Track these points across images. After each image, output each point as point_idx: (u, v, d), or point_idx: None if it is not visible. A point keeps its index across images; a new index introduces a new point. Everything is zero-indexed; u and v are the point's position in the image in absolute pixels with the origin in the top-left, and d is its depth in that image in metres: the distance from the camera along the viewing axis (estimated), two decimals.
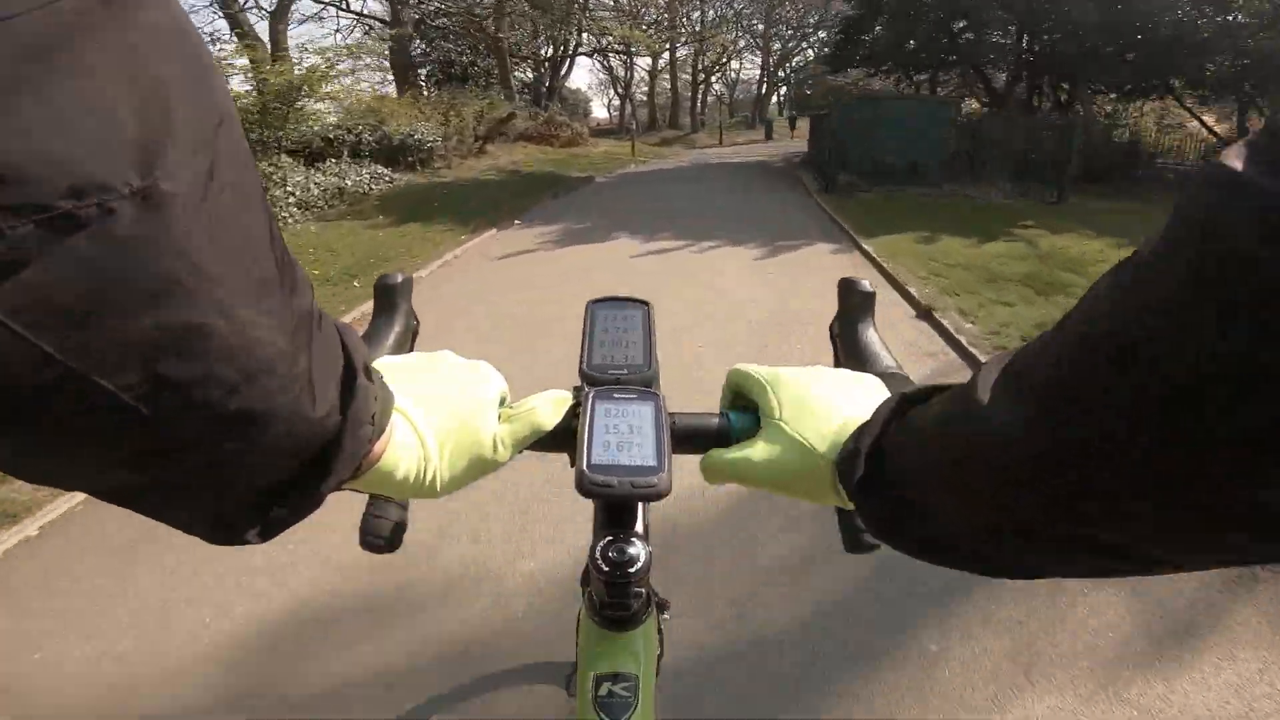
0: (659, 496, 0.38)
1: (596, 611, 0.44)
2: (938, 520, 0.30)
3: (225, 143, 0.20)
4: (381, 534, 0.46)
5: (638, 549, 0.41)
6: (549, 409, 0.42)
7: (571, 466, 0.39)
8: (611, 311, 0.51)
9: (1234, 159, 0.17)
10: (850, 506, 0.36)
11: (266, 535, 0.28)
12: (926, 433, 0.31)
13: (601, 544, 0.41)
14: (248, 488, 0.26)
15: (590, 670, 0.43)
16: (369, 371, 0.31)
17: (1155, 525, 0.21)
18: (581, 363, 0.47)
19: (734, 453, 0.41)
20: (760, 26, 34.84)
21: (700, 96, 38.71)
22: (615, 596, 0.42)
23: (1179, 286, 0.18)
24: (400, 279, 0.54)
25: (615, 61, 37.39)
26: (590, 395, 0.42)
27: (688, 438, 0.44)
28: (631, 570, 0.40)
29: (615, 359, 0.47)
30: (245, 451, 0.24)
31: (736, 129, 33.45)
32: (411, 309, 0.54)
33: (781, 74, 39.14)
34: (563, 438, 0.42)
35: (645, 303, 0.52)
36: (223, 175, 0.20)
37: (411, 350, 0.53)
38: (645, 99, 39.95)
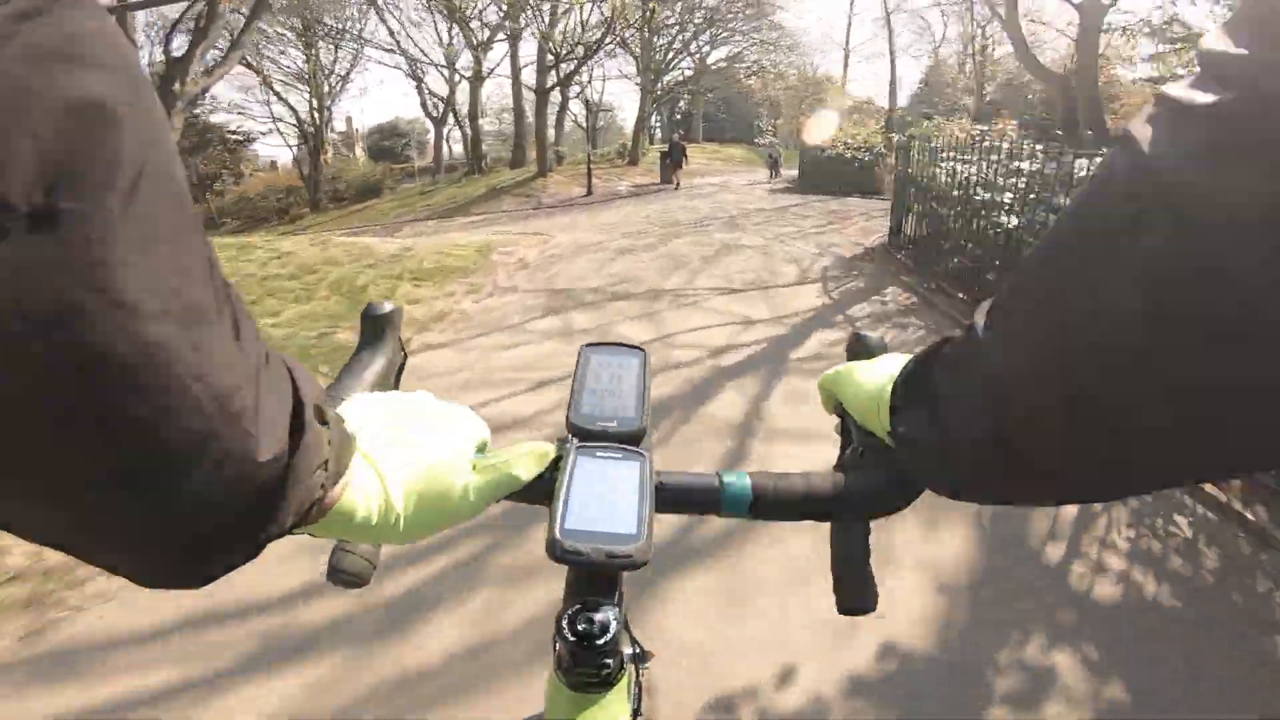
0: (635, 566, 0.37)
1: (564, 672, 0.42)
2: (947, 425, 0.33)
3: (154, 161, 0.20)
4: (351, 570, 0.45)
5: (607, 617, 0.40)
6: (527, 462, 0.41)
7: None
8: (605, 358, 0.50)
9: (1136, 129, 0.22)
10: (888, 428, 0.39)
11: (202, 582, 0.26)
12: (949, 357, 0.34)
13: (570, 611, 0.40)
14: (178, 533, 0.24)
15: None
16: (323, 414, 0.29)
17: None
18: (569, 411, 0.46)
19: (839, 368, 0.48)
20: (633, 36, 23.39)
21: (557, 118, 26.71)
22: (582, 664, 0.41)
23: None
24: (389, 308, 0.51)
25: (436, 70, 24.38)
26: (572, 451, 0.42)
27: (676, 499, 0.43)
28: (600, 641, 0.39)
29: (605, 410, 0.46)
30: (169, 493, 0.22)
31: (608, 165, 21.50)
32: (399, 340, 0.52)
33: (659, 91, 28.02)
34: (542, 490, 0.41)
35: (641, 350, 0.52)
36: (148, 195, 0.19)
37: (398, 382, 0.52)
38: (497, 125, 27.46)
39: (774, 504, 0.43)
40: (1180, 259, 0.20)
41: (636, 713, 0.45)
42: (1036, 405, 0.26)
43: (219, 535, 0.25)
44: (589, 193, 16.50)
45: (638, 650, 0.50)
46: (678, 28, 25.44)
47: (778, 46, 28.22)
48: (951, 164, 5.95)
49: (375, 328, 0.50)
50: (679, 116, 35.65)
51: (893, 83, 17.61)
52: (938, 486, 0.36)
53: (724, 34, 27.63)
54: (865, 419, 0.44)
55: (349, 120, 37.49)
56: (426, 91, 26.12)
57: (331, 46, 23.68)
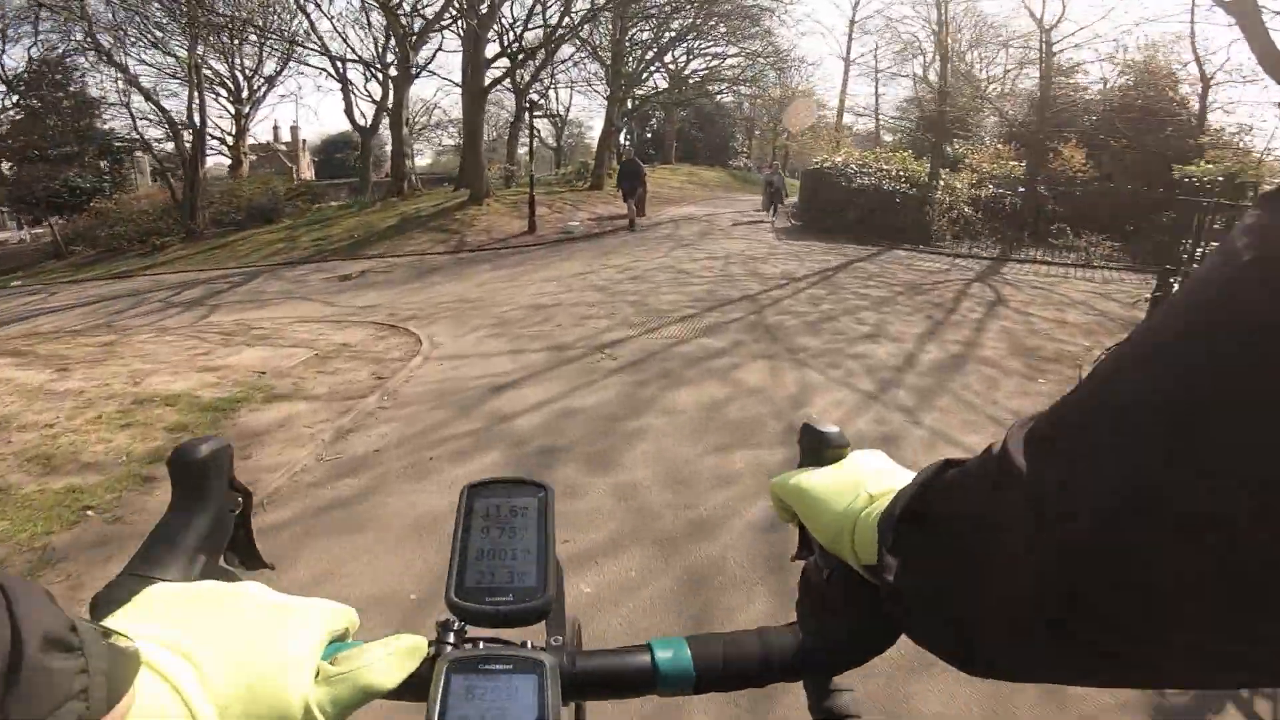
0: None
1: None
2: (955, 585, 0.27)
3: None
4: None
5: None
6: (389, 665, 0.33)
7: None
8: (496, 501, 0.41)
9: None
10: (868, 561, 0.33)
11: None
12: (973, 491, 0.28)
13: None
14: None
15: None
16: (64, 641, 0.25)
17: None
18: (448, 585, 0.37)
19: (797, 475, 0.41)
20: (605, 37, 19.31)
21: (511, 132, 22.52)
22: None
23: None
24: (205, 450, 0.40)
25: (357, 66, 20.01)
26: (445, 666, 0.34)
27: (597, 686, 0.37)
28: None
29: (497, 578, 0.38)
30: None
31: (565, 189, 17.41)
32: (231, 485, 0.42)
33: (630, 105, 24.12)
34: (419, 687, 0.34)
35: (543, 486, 0.42)
36: None
37: (239, 538, 0.43)
38: (455, 139, 22.93)
39: (723, 676, 0.37)
40: None
41: None
42: (1124, 576, 0.19)
43: None
44: (531, 230, 12.26)
45: None
46: (651, 35, 21.62)
47: (762, 57, 24.59)
48: None
49: (189, 478, 0.39)
50: (650, 135, 31.80)
51: (942, 90, 13.31)
52: (945, 656, 0.29)
53: (705, 43, 23.96)
54: (833, 545, 0.37)
55: (294, 130, 32.52)
56: (354, 94, 21.67)
57: (245, 45, 19.15)
